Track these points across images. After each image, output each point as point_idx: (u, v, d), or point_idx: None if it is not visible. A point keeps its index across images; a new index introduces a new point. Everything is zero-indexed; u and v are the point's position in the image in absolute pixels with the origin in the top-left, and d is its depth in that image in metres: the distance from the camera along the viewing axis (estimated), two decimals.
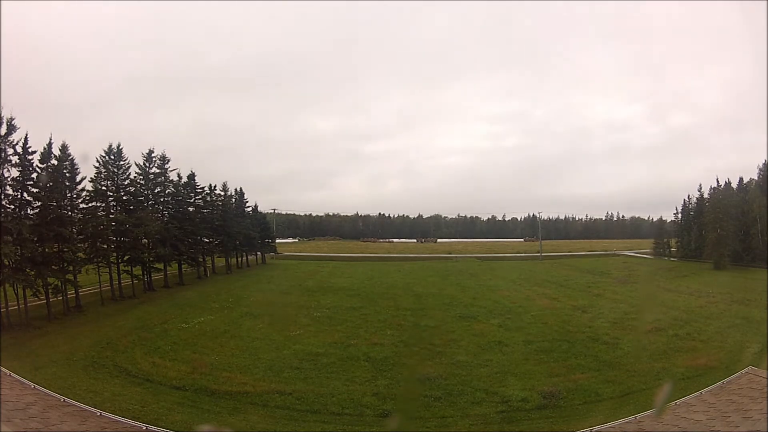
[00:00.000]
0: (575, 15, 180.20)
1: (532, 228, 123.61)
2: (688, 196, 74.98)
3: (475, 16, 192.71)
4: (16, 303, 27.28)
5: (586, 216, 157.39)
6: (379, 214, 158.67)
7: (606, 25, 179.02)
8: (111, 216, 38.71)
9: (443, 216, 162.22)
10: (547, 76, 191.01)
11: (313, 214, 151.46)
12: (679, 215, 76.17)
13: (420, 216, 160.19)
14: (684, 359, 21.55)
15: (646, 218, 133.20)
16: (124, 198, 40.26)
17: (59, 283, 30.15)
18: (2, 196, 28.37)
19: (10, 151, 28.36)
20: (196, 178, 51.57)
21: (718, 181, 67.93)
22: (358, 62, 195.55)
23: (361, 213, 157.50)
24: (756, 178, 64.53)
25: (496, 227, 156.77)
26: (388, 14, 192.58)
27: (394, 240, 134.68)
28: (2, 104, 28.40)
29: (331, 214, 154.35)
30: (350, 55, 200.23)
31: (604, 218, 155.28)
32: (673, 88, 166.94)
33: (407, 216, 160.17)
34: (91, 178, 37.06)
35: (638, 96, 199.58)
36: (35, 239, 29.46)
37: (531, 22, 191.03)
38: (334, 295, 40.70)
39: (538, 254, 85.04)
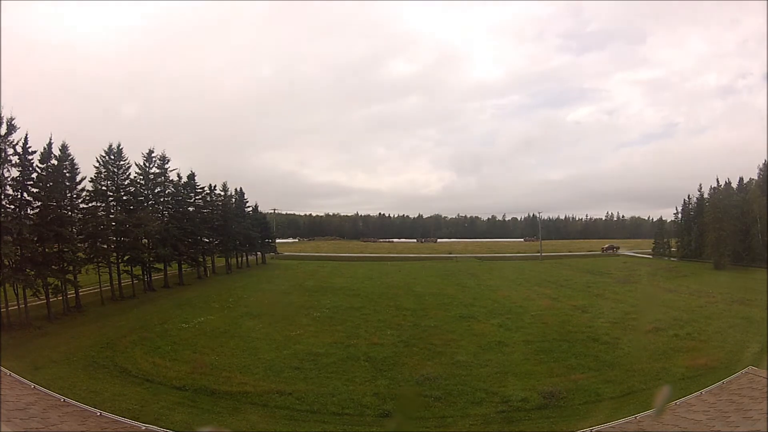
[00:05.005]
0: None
1: (532, 228, 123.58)
2: (688, 196, 74.90)
3: None
4: (16, 303, 27.25)
5: (586, 216, 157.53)
6: (380, 214, 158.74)
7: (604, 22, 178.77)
8: (111, 216, 38.69)
9: (443, 216, 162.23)
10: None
11: (313, 214, 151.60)
12: (679, 215, 76.19)
13: (420, 216, 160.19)
14: (684, 359, 21.54)
15: (646, 218, 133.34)
16: (124, 198, 40.24)
17: (59, 283, 30.14)
18: (2, 196, 28.36)
19: (10, 151, 28.40)
20: (196, 177, 51.74)
21: (718, 181, 67.90)
22: None
23: (361, 213, 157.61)
24: (756, 178, 64.57)
25: (496, 227, 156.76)
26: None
27: (394, 240, 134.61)
28: (2, 104, 28.46)
29: (331, 214, 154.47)
30: None
31: (604, 218, 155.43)
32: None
33: (407, 216, 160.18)
34: (91, 178, 37.10)
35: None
36: (35, 239, 29.47)
37: None
38: (334, 295, 40.66)
39: (538, 254, 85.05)
